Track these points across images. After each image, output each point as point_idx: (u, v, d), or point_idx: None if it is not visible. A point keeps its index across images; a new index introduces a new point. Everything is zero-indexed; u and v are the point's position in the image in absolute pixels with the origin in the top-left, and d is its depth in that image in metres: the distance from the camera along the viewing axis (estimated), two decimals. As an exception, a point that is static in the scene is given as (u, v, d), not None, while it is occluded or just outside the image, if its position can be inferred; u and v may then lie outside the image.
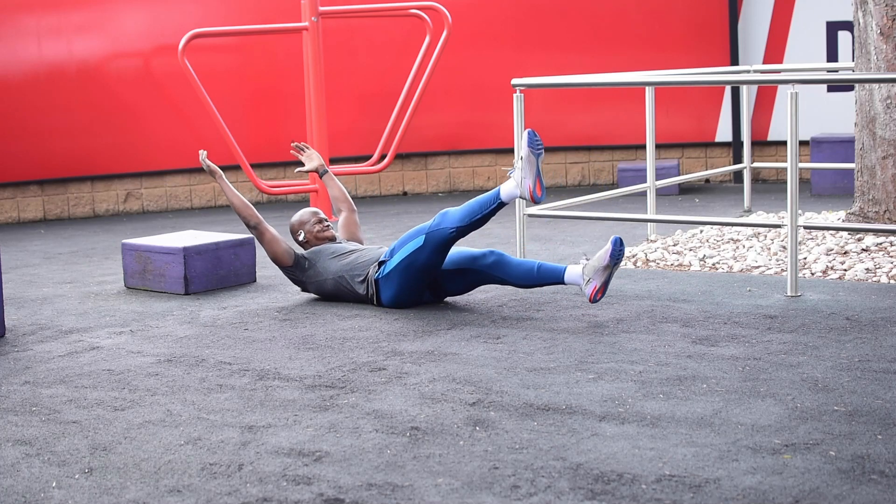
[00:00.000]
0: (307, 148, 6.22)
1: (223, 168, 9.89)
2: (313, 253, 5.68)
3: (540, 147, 5.18)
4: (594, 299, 5.17)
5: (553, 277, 5.30)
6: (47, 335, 5.22)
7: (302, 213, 5.82)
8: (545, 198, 5.33)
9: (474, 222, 5.25)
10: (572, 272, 5.24)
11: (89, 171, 9.69)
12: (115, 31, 9.67)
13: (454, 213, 5.29)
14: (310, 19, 8.45)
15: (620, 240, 5.08)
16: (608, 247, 5.10)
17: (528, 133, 5.18)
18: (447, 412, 3.84)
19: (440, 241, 5.27)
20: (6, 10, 9.40)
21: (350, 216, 5.99)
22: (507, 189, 5.22)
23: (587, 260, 5.22)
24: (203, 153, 5.83)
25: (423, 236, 5.29)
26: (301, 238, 5.79)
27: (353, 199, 10.20)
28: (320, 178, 6.15)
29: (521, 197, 5.21)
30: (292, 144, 6.22)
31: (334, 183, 6.09)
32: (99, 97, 9.60)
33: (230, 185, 5.79)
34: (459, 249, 5.47)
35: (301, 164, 6.28)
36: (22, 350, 4.96)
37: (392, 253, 5.41)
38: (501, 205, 5.24)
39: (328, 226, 5.80)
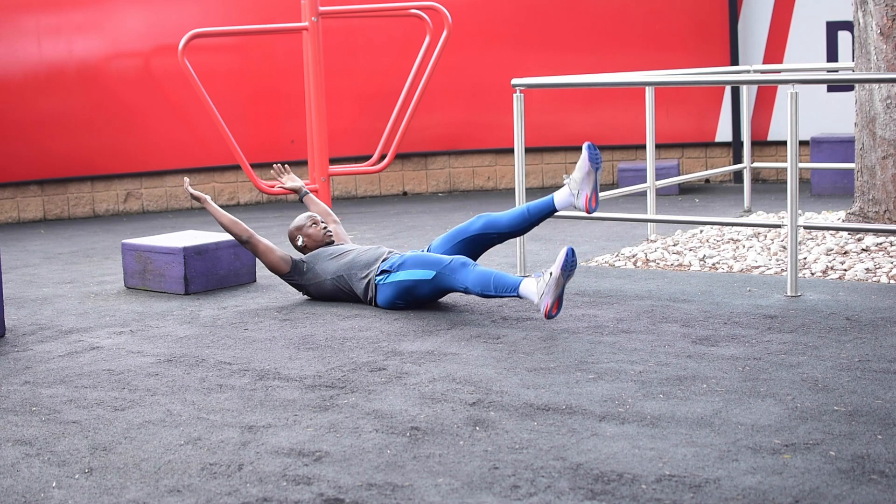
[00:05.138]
0: (288, 171, 6.41)
1: (223, 168, 9.96)
2: (312, 256, 5.71)
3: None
4: (590, 209, 5.35)
5: (544, 212, 5.48)
6: (47, 335, 5.22)
7: (298, 220, 5.88)
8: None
9: (484, 295, 5.16)
10: (527, 286, 5.07)
11: (89, 171, 9.69)
12: (115, 31, 9.67)
13: (473, 271, 5.17)
14: (310, 19, 8.45)
15: (592, 144, 5.30)
16: (584, 153, 5.29)
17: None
18: (447, 412, 3.84)
19: (446, 286, 5.28)
20: (6, 10, 9.40)
21: (336, 228, 6.09)
22: (525, 288, 5.01)
23: (567, 177, 5.43)
24: (187, 181, 5.99)
25: (435, 273, 5.26)
26: (300, 243, 5.83)
27: (352, 199, 10.23)
28: (300, 200, 6.30)
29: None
30: (274, 165, 6.35)
31: (314, 202, 6.23)
32: (99, 97, 9.60)
33: (217, 207, 5.85)
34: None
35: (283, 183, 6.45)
36: (22, 350, 4.96)
37: (400, 266, 5.39)
38: (516, 297, 5.09)
39: (325, 227, 5.84)
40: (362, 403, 3.97)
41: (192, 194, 5.91)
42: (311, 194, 6.26)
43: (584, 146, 5.31)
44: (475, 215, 5.65)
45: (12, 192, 9.55)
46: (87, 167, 9.67)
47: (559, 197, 5.42)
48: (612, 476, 3.22)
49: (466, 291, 5.21)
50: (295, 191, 6.31)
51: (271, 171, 6.43)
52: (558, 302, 4.92)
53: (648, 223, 7.19)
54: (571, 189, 5.36)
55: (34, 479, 3.39)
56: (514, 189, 8.10)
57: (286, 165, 6.45)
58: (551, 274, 4.88)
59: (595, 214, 6.55)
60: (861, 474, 3.17)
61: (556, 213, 5.52)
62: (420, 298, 5.39)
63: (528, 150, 9.79)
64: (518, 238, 6.22)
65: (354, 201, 10.15)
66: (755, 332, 4.76)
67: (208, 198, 5.89)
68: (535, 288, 4.95)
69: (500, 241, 5.59)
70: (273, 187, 8.76)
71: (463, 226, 5.59)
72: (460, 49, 9.91)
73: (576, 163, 10.39)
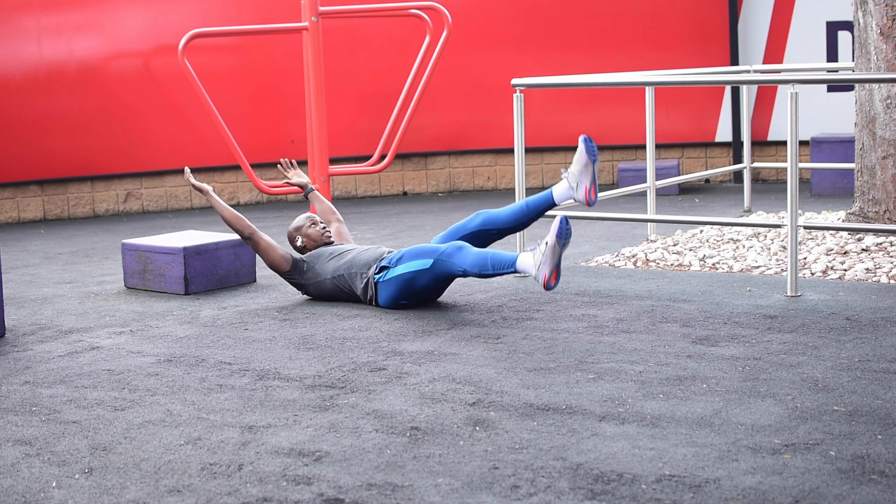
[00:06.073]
0: (294, 166, 6.37)
1: (223, 168, 9.96)
2: (312, 256, 5.70)
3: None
4: (590, 201, 5.39)
5: (543, 206, 5.54)
6: (47, 335, 5.22)
7: (297, 220, 5.87)
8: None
9: (482, 276, 5.20)
10: (559, 191, 5.46)
11: (89, 171, 9.69)
12: (115, 31, 9.67)
13: (469, 253, 5.19)
14: (310, 19, 8.45)
15: (588, 137, 5.37)
16: (581, 146, 5.35)
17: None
18: (447, 412, 3.84)
19: (445, 273, 5.27)
20: (6, 10, 9.40)
21: (339, 227, 6.06)
22: (522, 262, 5.04)
23: (566, 171, 5.45)
24: (187, 170, 5.90)
25: (432, 260, 5.26)
26: (300, 243, 5.82)
27: (352, 199, 10.23)
28: (306, 196, 6.27)
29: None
30: (281, 161, 6.32)
31: (320, 199, 6.21)
32: (99, 97, 9.60)
33: (220, 199, 5.81)
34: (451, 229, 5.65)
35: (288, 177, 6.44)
36: (22, 350, 4.96)
37: (398, 261, 5.39)
38: (514, 272, 5.11)
39: (324, 227, 5.84)
40: (362, 403, 3.97)
41: (193, 185, 5.84)
42: (316, 191, 6.23)
43: (581, 139, 5.37)
44: (474, 212, 5.67)
45: (12, 192, 9.55)
46: (87, 167, 9.67)
47: (558, 190, 5.46)
48: (612, 476, 3.22)
49: (465, 274, 5.20)
50: (301, 187, 6.27)
51: (278, 167, 6.40)
52: (556, 272, 4.95)
53: (648, 223, 7.19)
54: (570, 182, 5.40)
55: (34, 479, 3.39)
56: (514, 189, 8.10)
57: (292, 161, 6.41)
58: (546, 243, 4.92)
59: (595, 214, 6.57)
60: (861, 474, 3.17)
61: (556, 207, 5.59)
62: (421, 289, 5.36)
63: (528, 150, 9.79)
64: (517, 234, 6.24)
65: (354, 201, 10.16)
66: (755, 332, 4.76)
67: (211, 189, 5.82)
68: (532, 260, 4.99)
69: (500, 237, 5.61)
70: (278, 185, 8.76)
71: (461, 223, 5.60)
72: (460, 49, 9.91)
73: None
